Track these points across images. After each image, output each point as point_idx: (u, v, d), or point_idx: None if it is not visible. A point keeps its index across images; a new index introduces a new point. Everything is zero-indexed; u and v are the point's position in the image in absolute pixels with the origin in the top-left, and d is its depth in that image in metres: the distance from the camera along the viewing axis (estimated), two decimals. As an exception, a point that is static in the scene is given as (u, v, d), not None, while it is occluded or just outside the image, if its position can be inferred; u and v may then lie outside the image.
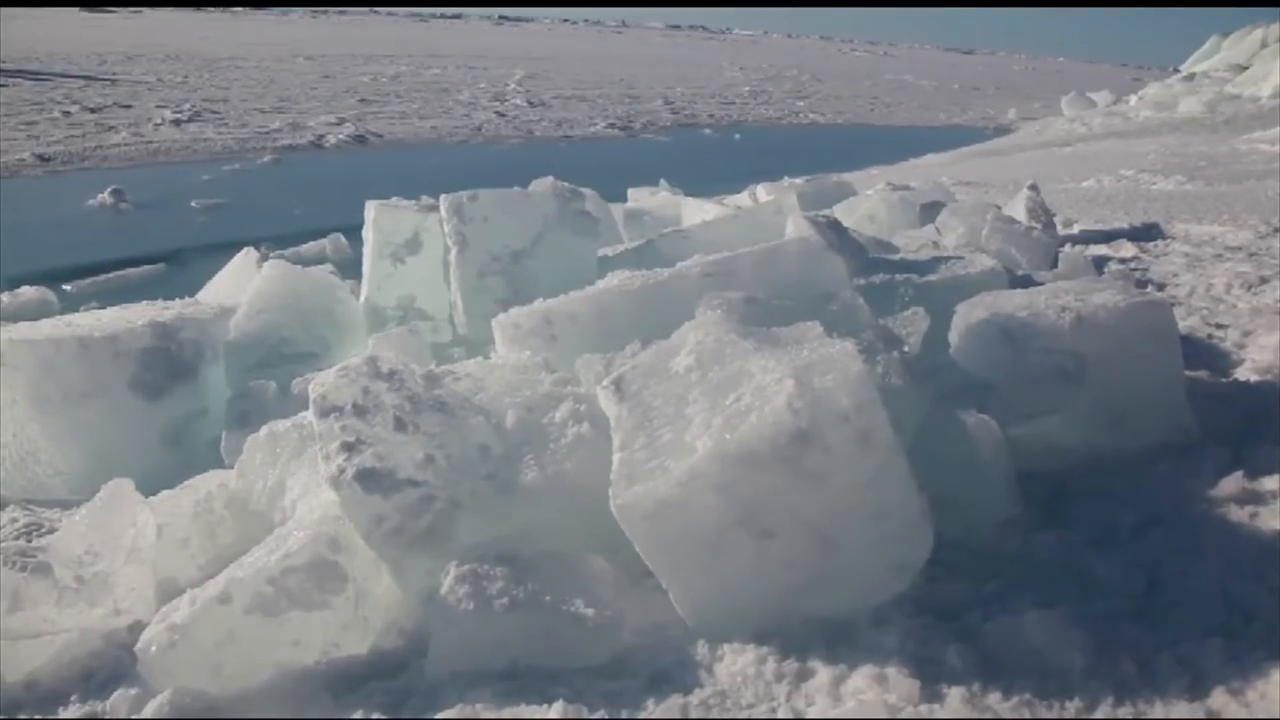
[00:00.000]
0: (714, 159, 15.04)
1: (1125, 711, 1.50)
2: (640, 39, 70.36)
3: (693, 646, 1.74)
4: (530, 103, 21.19)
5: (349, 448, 2.03)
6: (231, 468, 2.61)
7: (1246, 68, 25.16)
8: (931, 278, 3.17)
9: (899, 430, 1.90)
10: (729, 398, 1.75)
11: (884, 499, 1.71)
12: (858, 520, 1.70)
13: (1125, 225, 6.18)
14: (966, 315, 2.60)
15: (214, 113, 16.58)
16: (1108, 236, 5.82)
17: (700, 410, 1.77)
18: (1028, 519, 2.10)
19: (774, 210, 3.90)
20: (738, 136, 18.62)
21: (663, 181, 9.86)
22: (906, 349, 2.97)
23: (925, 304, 3.03)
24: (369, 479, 1.96)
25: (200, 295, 4.15)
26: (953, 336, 2.66)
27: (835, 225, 3.43)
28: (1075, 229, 6.18)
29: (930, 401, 2.21)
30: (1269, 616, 1.69)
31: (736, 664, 1.68)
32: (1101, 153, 13.56)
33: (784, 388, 1.67)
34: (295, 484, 2.40)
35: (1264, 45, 26.21)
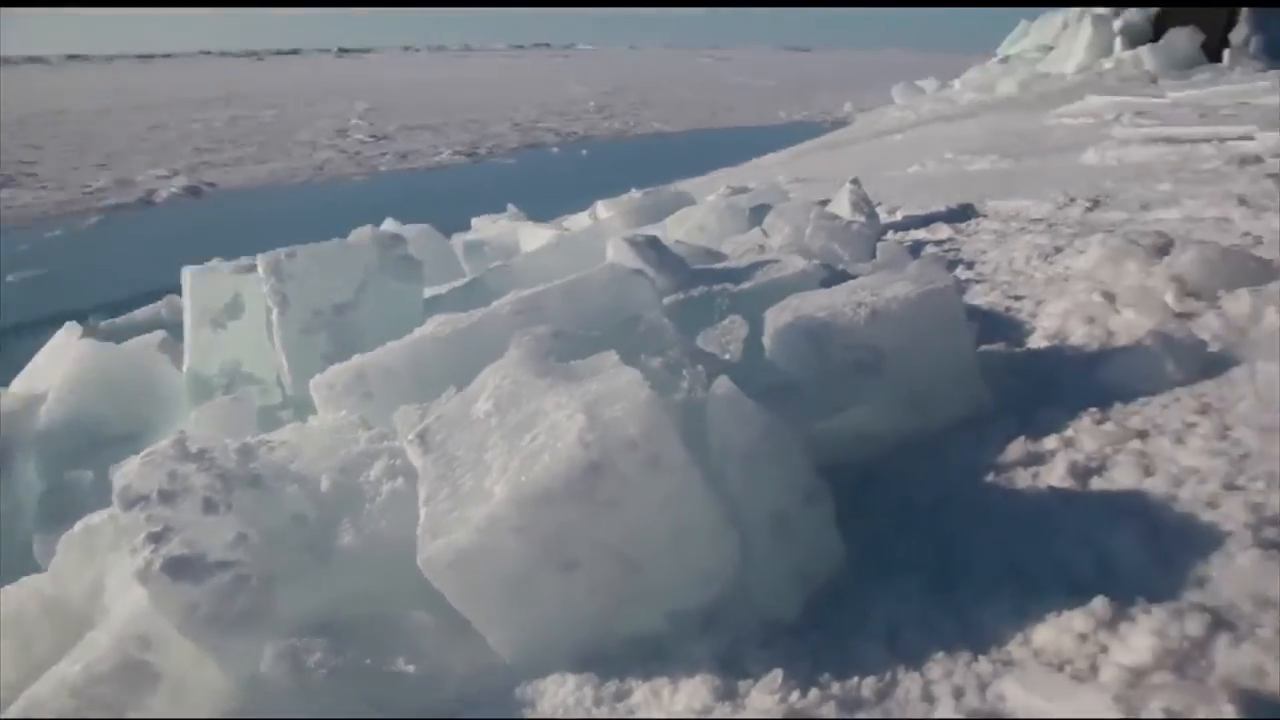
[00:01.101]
0: (561, 178, 15.17)
1: (914, 684, 1.61)
2: (485, 61, 70.08)
3: (516, 686, 1.77)
4: (374, 136, 20.84)
5: (155, 538, 1.97)
6: (47, 571, 2.49)
7: (1053, 48, 26.92)
8: (746, 285, 3.31)
9: (704, 442, 1.99)
10: (525, 439, 1.79)
11: (682, 516, 1.78)
12: (659, 540, 1.76)
13: (943, 208, 6.49)
14: (774, 320, 2.71)
15: (29, 174, 15.65)
16: (927, 220, 6.10)
17: (499, 455, 1.81)
18: (841, 509, 2.20)
19: (594, 235, 3.98)
20: (584, 152, 18.82)
21: (510, 206, 9.84)
22: (728, 356, 3.10)
23: (744, 311, 3.16)
24: (177, 568, 1.91)
25: (18, 380, 3.93)
26: (765, 341, 2.78)
27: (654, 243, 3.53)
28: (899, 215, 6.47)
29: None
30: (1040, 572, 1.84)
31: (558, 695, 1.72)
32: (928, 137, 14.28)
33: (575, 423, 1.73)
34: (113, 580, 2.30)
35: (1065, 26, 28.00)
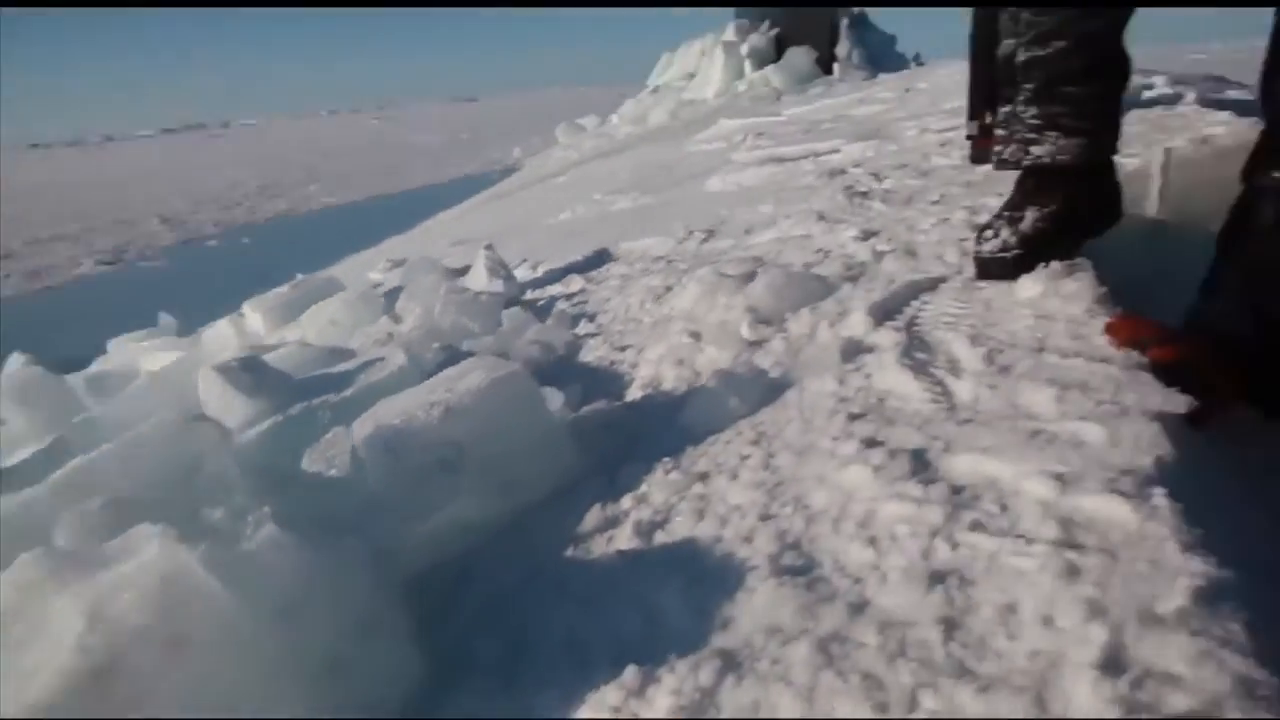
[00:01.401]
0: (221, 274, 14.31)
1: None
2: (130, 151, 64.57)
3: None
4: (-5, 256, 18.47)
5: None
6: None
7: (694, 75, 29.23)
8: (347, 392, 3.28)
9: (264, 591, 1.94)
10: (27, 658, 1.65)
11: (227, 685, 1.72)
12: (225, 708, 1.69)
13: (580, 256, 6.70)
14: (359, 432, 2.71)
15: None
16: (565, 272, 6.27)
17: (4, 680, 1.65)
18: (432, 614, 2.23)
19: (191, 365, 3.78)
20: (246, 241, 17.84)
21: (163, 316, 9.05)
22: (334, 472, 3.04)
23: (345, 421, 3.11)
24: None
25: None
26: (359, 455, 2.76)
27: (250, 365, 3.41)
28: (541, 270, 6.63)
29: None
30: (595, 645, 1.94)
31: None
32: (586, 177, 14.94)
33: (74, 628, 1.62)
34: None
35: (703, 54, 30.57)
